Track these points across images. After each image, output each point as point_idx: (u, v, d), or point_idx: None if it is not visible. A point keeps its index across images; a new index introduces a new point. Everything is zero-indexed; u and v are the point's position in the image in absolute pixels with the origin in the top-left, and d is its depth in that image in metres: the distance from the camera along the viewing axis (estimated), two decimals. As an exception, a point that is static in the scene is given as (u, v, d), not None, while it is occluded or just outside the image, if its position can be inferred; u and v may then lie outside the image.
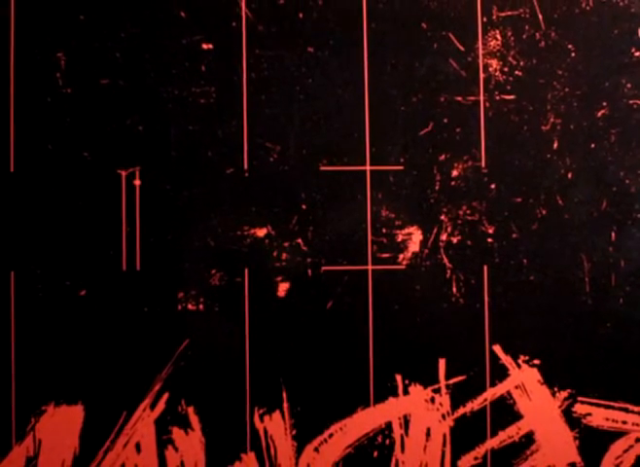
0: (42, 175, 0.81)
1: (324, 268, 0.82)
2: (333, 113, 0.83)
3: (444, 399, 0.82)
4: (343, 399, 0.82)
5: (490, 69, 0.83)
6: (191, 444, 0.81)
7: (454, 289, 0.83)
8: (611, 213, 0.83)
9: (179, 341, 0.81)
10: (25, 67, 0.81)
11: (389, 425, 0.82)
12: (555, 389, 0.82)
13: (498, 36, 0.83)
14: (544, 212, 0.83)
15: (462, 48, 0.83)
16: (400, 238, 0.83)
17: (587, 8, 0.84)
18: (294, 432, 0.81)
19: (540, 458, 0.82)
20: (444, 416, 0.82)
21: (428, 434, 0.82)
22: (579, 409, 0.82)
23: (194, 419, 0.81)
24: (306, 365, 0.82)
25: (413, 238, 0.83)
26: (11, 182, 0.81)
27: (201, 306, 0.81)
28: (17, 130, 0.81)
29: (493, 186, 0.83)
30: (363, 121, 0.83)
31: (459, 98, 0.83)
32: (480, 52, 0.83)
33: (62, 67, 0.81)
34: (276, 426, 0.81)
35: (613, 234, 0.83)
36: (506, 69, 0.83)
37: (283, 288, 0.82)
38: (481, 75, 0.83)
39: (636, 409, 0.82)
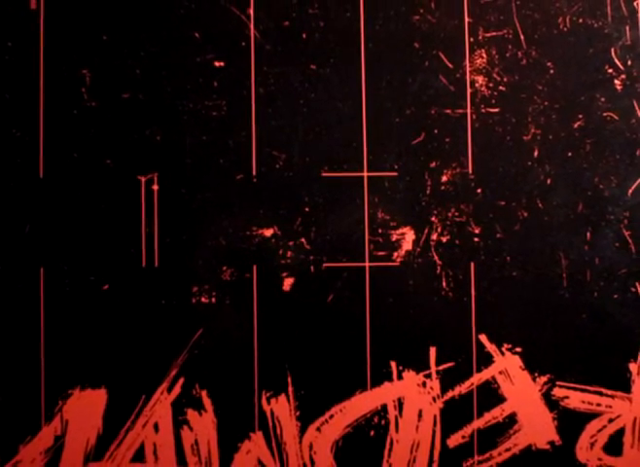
0: (69, 181, 0.81)
1: (325, 264, 0.82)
2: (333, 124, 0.83)
3: (435, 383, 0.82)
4: (343, 383, 0.82)
5: (477, 84, 0.83)
6: (204, 424, 0.81)
7: (444, 284, 0.83)
8: (586, 215, 0.83)
9: (193, 330, 0.81)
10: (54, 83, 0.82)
11: (385, 407, 0.82)
12: (536, 374, 0.82)
13: (484, 55, 0.84)
14: (525, 214, 0.83)
15: (451, 65, 0.83)
16: (394, 238, 0.83)
17: (565, 29, 0.84)
18: (298, 413, 0.81)
19: (522, 437, 0.82)
20: (434, 399, 0.82)
21: (420, 415, 0.82)
22: (557, 392, 0.82)
23: (207, 402, 0.81)
24: (309, 352, 0.82)
25: (407, 238, 0.83)
26: (40, 187, 0.81)
27: (214, 300, 0.82)
28: (46, 140, 0.81)
29: (479, 190, 0.83)
30: (361, 131, 0.83)
31: (448, 111, 0.83)
32: (468, 69, 0.83)
33: (87, 83, 0.82)
34: (282, 408, 0.81)
35: (588, 234, 0.83)
36: (491, 85, 0.83)
37: (288, 283, 0.82)
38: (469, 90, 0.83)
39: (609, 392, 0.82)
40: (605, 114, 0.84)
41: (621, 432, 0.83)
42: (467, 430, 0.83)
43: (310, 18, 0.83)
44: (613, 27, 0.84)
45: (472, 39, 0.84)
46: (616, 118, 0.84)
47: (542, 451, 0.83)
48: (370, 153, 0.83)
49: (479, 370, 0.83)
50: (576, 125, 0.84)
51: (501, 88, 0.84)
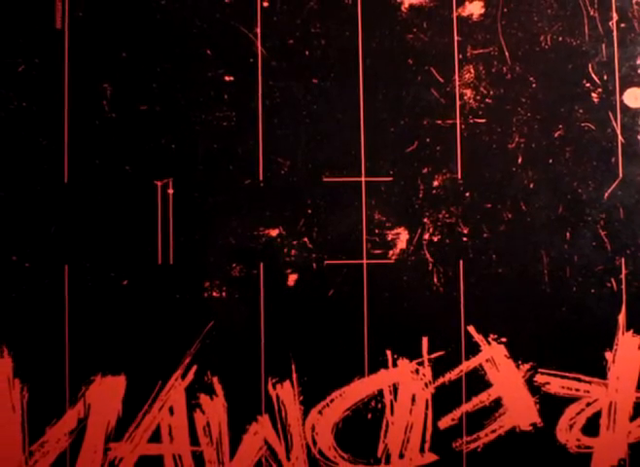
0: (91, 186, 0.83)
1: (326, 262, 0.84)
2: (333, 133, 0.84)
3: (427, 370, 0.84)
4: (342, 370, 0.83)
5: (465, 97, 0.85)
6: (215, 407, 0.82)
7: (435, 279, 0.84)
8: (566, 217, 0.85)
9: (205, 322, 0.83)
10: (77, 96, 0.83)
11: (381, 392, 0.84)
12: (520, 362, 0.84)
13: (472, 70, 0.85)
14: (510, 216, 0.84)
15: (442, 80, 0.85)
16: (390, 237, 0.84)
17: (546, 46, 0.85)
18: (301, 398, 0.83)
19: (507, 419, 0.84)
20: (426, 385, 0.84)
21: (413, 399, 0.84)
22: (539, 378, 0.84)
23: (218, 387, 0.82)
24: (312, 342, 0.83)
25: (401, 237, 0.84)
26: (65, 191, 0.82)
27: (224, 294, 0.83)
28: (71, 148, 0.82)
29: (468, 194, 0.85)
30: (359, 140, 0.84)
31: (439, 122, 0.85)
32: (457, 83, 0.85)
33: (108, 96, 0.83)
34: (286, 393, 0.83)
35: (568, 234, 0.85)
36: (478, 97, 0.85)
37: (292, 279, 0.84)
38: (458, 102, 0.85)
39: (587, 379, 0.84)
40: (583, 124, 0.86)
41: (597, 415, 0.85)
42: (456, 413, 0.84)
43: (313, 37, 0.85)
44: (590, 45, 0.86)
45: (461, 56, 0.86)
46: (593, 128, 0.86)
47: (525, 433, 0.84)
48: (367, 159, 0.85)
49: (467, 358, 0.84)
50: (556, 135, 0.86)
51: (487, 100, 0.86)
